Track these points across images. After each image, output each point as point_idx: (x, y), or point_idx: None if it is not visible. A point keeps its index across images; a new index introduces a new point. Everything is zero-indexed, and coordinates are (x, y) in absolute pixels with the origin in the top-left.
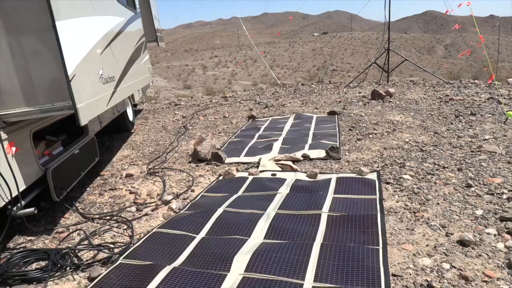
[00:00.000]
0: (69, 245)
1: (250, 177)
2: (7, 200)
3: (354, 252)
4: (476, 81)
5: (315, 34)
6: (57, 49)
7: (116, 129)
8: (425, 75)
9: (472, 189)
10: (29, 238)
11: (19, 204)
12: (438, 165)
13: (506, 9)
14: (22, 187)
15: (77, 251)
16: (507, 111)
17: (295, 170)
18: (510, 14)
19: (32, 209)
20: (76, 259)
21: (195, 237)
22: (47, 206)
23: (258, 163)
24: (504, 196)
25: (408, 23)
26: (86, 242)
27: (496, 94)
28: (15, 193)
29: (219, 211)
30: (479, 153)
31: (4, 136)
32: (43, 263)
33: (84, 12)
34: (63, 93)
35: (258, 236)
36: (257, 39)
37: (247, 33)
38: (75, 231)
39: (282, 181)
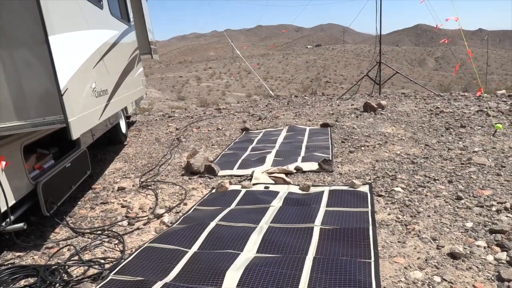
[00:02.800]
0: (59, 261)
1: (243, 190)
2: None
3: (346, 265)
4: (466, 93)
5: (309, 46)
6: (50, 63)
7: (109, 141)
8: (416, 87)
9: (462, 201)
10: (17, 254)
11: (8, 219)
12: (429, 177)
13: (494, 23)
14: (12, 201)
15: (67, 267)
16: (495, 123)
17: (288, 183)
18: (498, 28)
19: (21, 224)
20: (66, 276)
21: (187, 252)
22: (37, 220)
23: (251, 175)
24: (494, 208)
25: (399, 36)
26: (76, 257)
27: (485, 107)
28: (4, 208)
29: (212, 224)
30: (469, 165)
31: None
32: (32, 280)
33: (77, 26)
34: (55, 107)
35: (250, 250)
36: (251, 51)
37: (235, 48)
38: (65, 246)
39: (275, 194)
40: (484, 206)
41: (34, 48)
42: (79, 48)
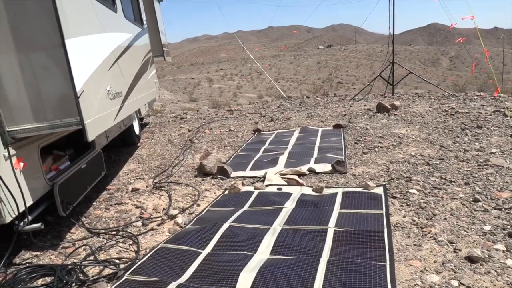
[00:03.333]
0: (75, 261)
1: (256, 192)
2: (14, 216)
3: (361, 268)
4: (482, 93)
5: (320, 47)
6: (66, 66)
7: (123, 143)
8: (430, 87)
9: (480, 203)
10: (35, 253)
11: (26, 220)
12: (445, 179)
13: (511, 21)
14: (29, 202)
15: (82, 267)
16: None
17: (301, 184)
18: None
19: (39, 224)
20: (81, 275)
21: (201, 253)
22: (54, 220)
23: (264, 177)
24: None
25: (412, 36)
26: (92, 257)
27: (502, 107)
28: (22, 208)
29: (225, 226)
30: (486, 167)
31: (12, 152)
32: (49, 279)
33: (92, 29)
34: (71, 109)
35: (264, 251)
36: (262, 53)
37: (246, 49)
38: (81, 246)
39: (288, 195)
40: (503, 209)
41: (51, 52)
42: (94, 51)
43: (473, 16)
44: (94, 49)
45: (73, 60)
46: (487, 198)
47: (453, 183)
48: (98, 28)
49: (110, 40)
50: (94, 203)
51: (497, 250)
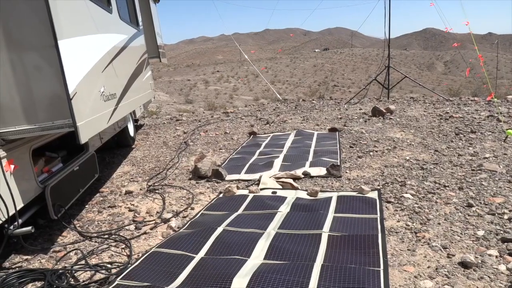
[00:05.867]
0: (66, 265)
1: (251, 195)
2: (4, 219)
3: (354, 274)
4: (476, 98)
5: (316, 50)
6: (59, 67)
7: (117, 145)
8: (425, 91)
9: (473, 208)
10: (25, 257)
11: (16, 223)
12: (439, 183)
13: (505, 27)
14: (20, 205)
15: (73, 271)
16: (507, 129)
17: (295, 188)
18: (509, 32)
19: (29, 228)
20: (72, 280)
21: (194, 257)
22: (45, 223)
23: (259, 180)
24: (506, 217)
25: (407, 40)
26: (83, 261)
27: (496, 112)
28: (12, 211)
29: (219, 230)
30: (479, 171)
31: (3, 153)
32: (39, 284)
33: (86, 30)
34: (63, 110)
35: (258, 256)
36: (258, 55)
37: (242, 51)
38: (73, 250)
39: (282, 199)
40: (496, 214)
41: (43, 52)
42: (88, 53)
43: (468, 22)
44: (88, 50)
45: (66, 61)
46: (481, 203)
47: (447, 188)
48: (92, 29)
49: (105, 41)
50: (86, 206)
51: (490, 255)
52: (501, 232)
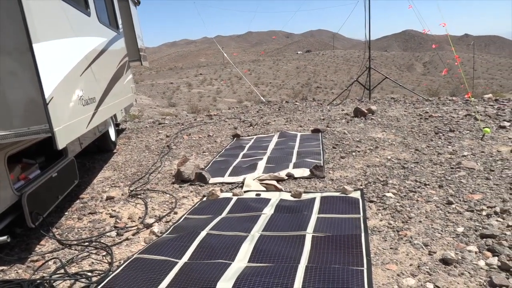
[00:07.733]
0: (44, 275)
1: (234, 198)
2: None
3: (338, 274)
4: (454, 98)
5: (299, 52)
6: (34, 71)
7: (98, 150)
8: (405, 91)
9: (453, 206)
10: (1, 268)
11: None
12: (420, 182)
13: (480, 28)
14: None
15: (52, 281)
16: (483, 127)
17: (279, 190)
18: (484, 33)
19: (5, 237)
20: None
21: (177, 263)
22: (22, 232)
23: (243, 183)
24: (484, 213)
25: (388, 42)
26: (62, 271)
27: (473, 111)
28: None
29: (203, 234)
30: (458, 169)
31: None
32: None
33: (63, 33)
34: (39, 116)
35: (242, 259)
36: (241, 58)
37: (225, 54)
38: (51, 259)
39: (266, 201)
40: (475, 211)
41: (18, 56)
42: (65, 56)
43: (445, 23)
44: (65, 53)
45: (41, 65)
46: (460, 200)
47: (428, 186)
48: (69, 31)
49: (83, 44)
50: (66, 213)
51: (469, 251)
52: (480, 228)
